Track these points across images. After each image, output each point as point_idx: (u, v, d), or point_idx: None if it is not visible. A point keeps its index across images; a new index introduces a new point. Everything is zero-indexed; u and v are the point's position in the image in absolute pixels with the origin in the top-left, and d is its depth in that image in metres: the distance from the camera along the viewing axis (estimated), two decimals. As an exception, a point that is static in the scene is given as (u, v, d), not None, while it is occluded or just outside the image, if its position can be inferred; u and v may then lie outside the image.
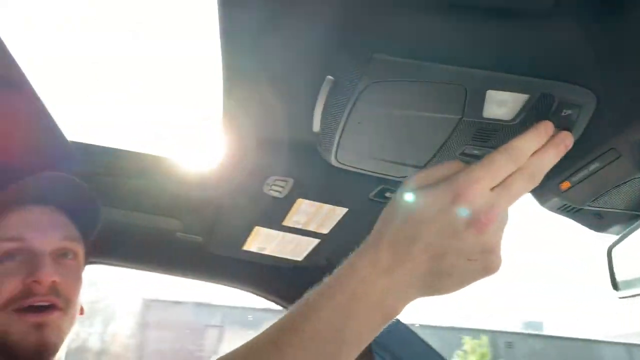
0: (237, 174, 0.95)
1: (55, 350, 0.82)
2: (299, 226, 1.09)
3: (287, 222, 1.08)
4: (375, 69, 0.56)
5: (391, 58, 0.55)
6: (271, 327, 0.55)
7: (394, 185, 0.87)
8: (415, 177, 0.55)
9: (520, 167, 0.52)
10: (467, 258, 0.51)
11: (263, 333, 0.55)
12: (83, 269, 0.95)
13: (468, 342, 14.18)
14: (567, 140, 0.55)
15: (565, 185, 0.71)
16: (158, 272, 1.40)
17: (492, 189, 0.51)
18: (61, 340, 0.84)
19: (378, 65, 0.56)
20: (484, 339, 14.43)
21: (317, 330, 0.52)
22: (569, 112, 0.57)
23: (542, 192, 0.77)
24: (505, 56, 0.54)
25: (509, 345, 15.51)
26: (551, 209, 0.80)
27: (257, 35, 0.62)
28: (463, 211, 0.50)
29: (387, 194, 0.92)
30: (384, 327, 0.54)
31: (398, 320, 1.34)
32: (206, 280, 1.38)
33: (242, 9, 0.58)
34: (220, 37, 0.63)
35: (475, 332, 15.02)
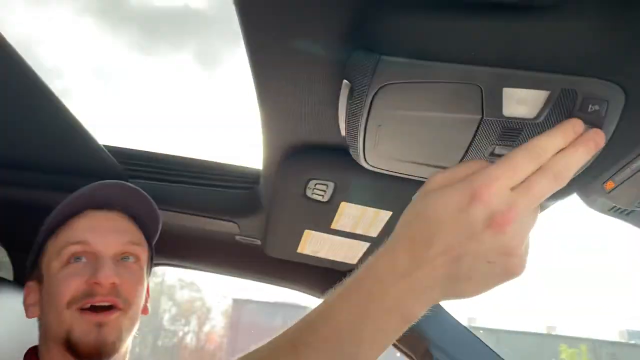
0: (280, 179, 0.97)
1: (114, 348, 0.88)
2: (347, 229, 1.10)
3: (335, 225, 1.09)
4: (385, 72, 0.56)
5: (399, 60, 0.55)
6: (291, 326, 0.56)
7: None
8: (435, 177, 0.54)
9: (544, 166, 0.50)
10: (487, 260, 0.49)
11: (283, 332, 0.56)
12: (147, 271, 1.01)
13: (565, 351, 13.36)
14: (597, 138, 0.52)
15: (610, 185, 0.66)
16: (220, 273, 1.46)
17: (513, 188, 0.49)
18: (120, 339, 0.89)
19: (387, 68, 0.55)
20: (583, 348, 13.53)
21: (333, 331, 0.52)
22: (596, 107, 0.53)
23: (587, 193, 0.72)
24: (518, 52, 0.51)
25: (613, 356, 14.38)
26: (601, 211, 0.74)
27: (276, 44, 0.63)
28: (480, 211, 0.48)
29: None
30: (404, 330, 0.53)
31: (457, 323, 1.31)
32: (266, 282, 1.42)
33: (264, 31, 0.60)
34: (247, 54, 0.65)
35: (573, 341, 14.10)
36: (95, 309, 0.87)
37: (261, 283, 1.43)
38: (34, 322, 1.01)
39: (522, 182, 0.49)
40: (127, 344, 0.95)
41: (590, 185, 0.70)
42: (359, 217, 1.03)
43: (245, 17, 0.59)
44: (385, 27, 0.54)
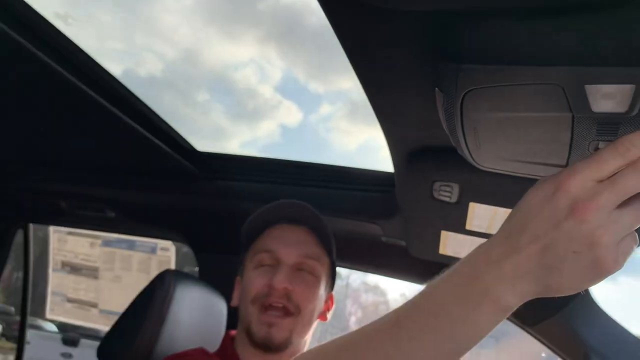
0: (408, 182, 1.02)
1: (282, 345, 1.02)
2: (482, 230, 1.10)
3: (469, 226, 1.09)
4: (467, 79, 0.58)
5: (479, 66, 0.57)
6: (401, 304, 0.62)
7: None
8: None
9: (634, 163, 0.49)
10: (572, 250, 0.50)
11: (394, 309, 0.62)
12: (327, 283, 1.13)
13: None
14: None
15: None
16: (370, 272, 1.54)
17: (599, 182, 0.50)
18: (289, 341, 1.03)
19: (468, 75, 0.58)
20: None
21: (432, 307, 0.57)
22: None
23: None
24: (596, 49, 0.50)
25: None
26: None
27: (378, 62, 0.70)
28: (563, 200, 0.50)
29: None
30: (500, 318, 0.56)
31: (619, 326, 1.21)
32: (413, 282, 1.47)
33: (365, 55, 0.67)
34: (357, 74, 0.73)
35: None
36: (271, 308, 1.02)
37: (410, 283, 1.48)
38: (212, 314, 1.22)
39: (609, 177, 0.49)
40: (304, 343, 1.08)
41: None
42: (491, 218, 1.03)
43: (349, 48, 0.67)
44: (462, 37, 0.57)
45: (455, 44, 0.58)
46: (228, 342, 1.13)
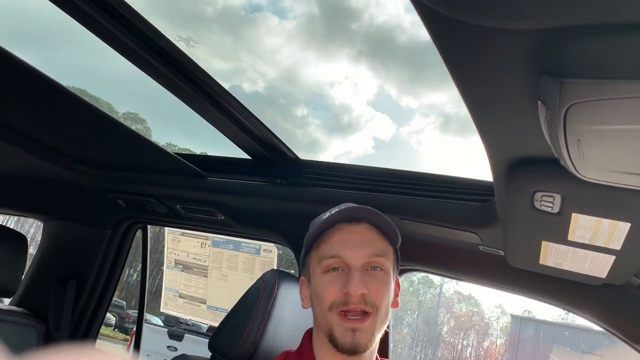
0: (508, 191, 1.03)
1: (366, 348, 1.06)
2: (586, 241, 1.07)
3: (572, 237, 1.08)
4: (570, 92, 0.60)
5: (582, 81, 0.59)
6: None
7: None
8: None
9: None
10: None
11: None
12: (394, 272, 1.17)
13: None
14: None
15: None
16: (464, 280, 1.54)
17: None
18: (372, 341, 1.07)
19: (571, 88, 0.60)
20: None
21: None
22: None
23: None
24: None
25: None
26: None
27: (479, 75, 0.73)
28: None
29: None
30: None
31: None
32: (508, 291, 1.45)
33: (468, 68, 0.71)
34: (458, 88, 0.77)
35: None
36: (350, 313, 1.07)
37: (507, 292, 1.46)
38: (309, 311, 1.28)
39: None
40: (379, 338, 1.12)
41: None
42: (596, 229, 1.01)
43: (453, 65, 0.71)
44: (564, 52, 0.59)
45: (558, 59, 0.60)
46: (307, 340, 1.18)
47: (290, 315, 1.35)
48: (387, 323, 1.13)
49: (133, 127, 1.61)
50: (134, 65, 1.25)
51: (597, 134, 0.65)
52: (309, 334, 1.21)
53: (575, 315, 1.54)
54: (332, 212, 1.15)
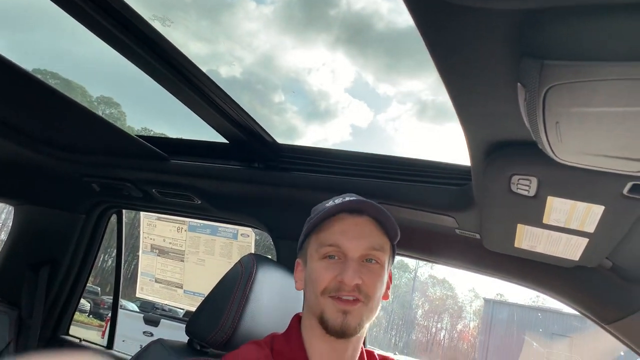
0: (486, 175, 1.03)
1: (355, 331, 1.08)
2: (561, 224, 1.09)
3: (547, 220, 1.09)
4: (550, 74, 0.60)
5: (563, 62, 0.59)
6: None
7: (643, 180, 0.82)
8: None
9: None
10: None
11: None
12: (388, 265, 1.18)
13: None
14: None
15: None
16: (441, 264, 1.56)
17: None
18: (361, 325, 1.09)
19: (552, 70, 0.60)
20: None
21: None
22: None
23: None
24: None
25: None
26: None
27: (460, 58, 0.73)
28: None
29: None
30: None
31: None
32: (484, 274, 1.47)
33: (449, 51, 0.70)
34: (438, 69, 0.76)
35: None
36: (342, 296, 1.08)
37: (482, 275, 1.49)
38: (288, 295, 1.28)
39: None
40: (367, 327, 1.14)
41: None
42: (570, 212, 1.03)
43: (436, 48, 0.70)
44: (546, 34, 0.59)
45: (539, 40, 0.60)
46: (295, 324, 1.19)
47: (268, 299, 1.35)
48: (376, 314, 1.14)
49: (107, 112, 1.58)
50: (108, 47, 1.21)
51: (575, 116, 0.66)
52: (297, 318, 1.21)
53: (547, 298, 1.58)
54: (336, 202, 1.15)
